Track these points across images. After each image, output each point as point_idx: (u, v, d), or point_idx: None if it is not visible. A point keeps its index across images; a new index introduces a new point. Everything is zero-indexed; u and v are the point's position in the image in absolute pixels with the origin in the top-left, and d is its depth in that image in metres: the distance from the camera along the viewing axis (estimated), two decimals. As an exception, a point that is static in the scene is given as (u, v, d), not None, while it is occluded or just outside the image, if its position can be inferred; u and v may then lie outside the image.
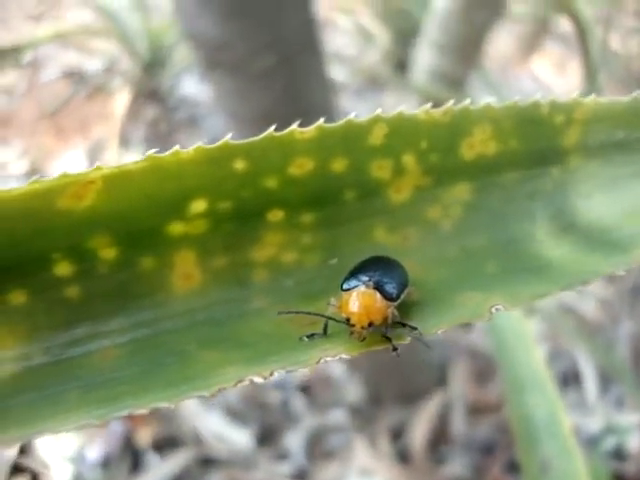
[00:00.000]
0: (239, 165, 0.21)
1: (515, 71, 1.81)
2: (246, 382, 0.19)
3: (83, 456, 0.94)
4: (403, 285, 0.23)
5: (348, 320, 0.22)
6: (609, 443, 0.97)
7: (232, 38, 0.61)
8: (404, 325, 0.22)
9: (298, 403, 1.03)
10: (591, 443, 0.97)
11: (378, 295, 0.23)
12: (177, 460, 0.94)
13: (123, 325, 0.22)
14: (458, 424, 1.01)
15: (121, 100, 1.64)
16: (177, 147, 0.21)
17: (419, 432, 0.99)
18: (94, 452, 0.94)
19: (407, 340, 0.22)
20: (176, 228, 0.22)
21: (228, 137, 0.21)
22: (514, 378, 0.52)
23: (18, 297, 0.21)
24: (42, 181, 0.20)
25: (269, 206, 0.23)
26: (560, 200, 0.26)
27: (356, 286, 0.23)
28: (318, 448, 0.98)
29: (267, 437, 0.99)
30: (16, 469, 0.92)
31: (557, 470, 0.44)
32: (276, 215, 0.23)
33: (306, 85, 0.64)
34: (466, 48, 0.92)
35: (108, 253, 0.22)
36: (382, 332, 0.22)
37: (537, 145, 0.26)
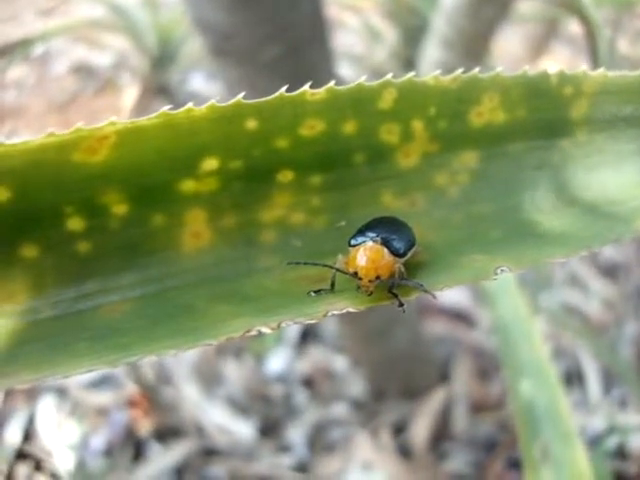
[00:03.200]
0: (250, 124, 0.22)
1: (523, 72, 1.81)
2: (254, 332, 0.19)
3: (86, 444, 0.94)
4: (410, 243, 0.24)
5: (356, 274, 0.22)
6: (612, 443, 0.97)
7: (239, 27, 0.61)
8: (410, 282, 0.22)
9: (301, 396, 1.03)
10: (594, 442, 0.97)
11: (385, 250, 0.23)
12: (179, 450, 0.94)
13: (133, 281, 0.22)
14: (460, 421, 1.01)
15: (130, 95, 1.65)
16: (190, 104, 0.21)
17: (421, 427, 0.99)
18: (97, 441, 0.94)
19: (413, 296, 0.22)
20: (187, 185, 0.22)
21: (240, 96, 0.21)
22: (516, 365, 0.52)
23: (30, 251, 0.21)
24: (57, 134, 0.20)
25: (279, 166, 0.23)
26: (566, 172, 0.26)
27: (364, 242, 0.23)
28: (320, 441, 0.98)
29: (269, 429, 0.99)
30: (20, 456, 0.93)
31: (557, 456, 0.44)
32: (286, 176, 0.23)
33: (313, 75, 0.65)
34: (473, 44, 0.92)
35: (120, 209, 0.22)
36: (388, 288, 0.23)
37: (545, 116, 0.26)
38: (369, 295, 0.22)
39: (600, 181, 0.26)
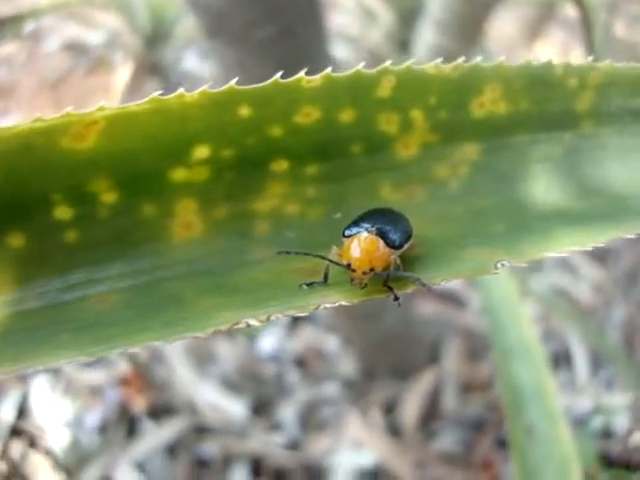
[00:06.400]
0: (244, 111, 0.21)
1: (518, 56, 1.79)
2: (242, 325, 0.19)
3: (80, 422, 0.94)
4: (407, 235, 0.23)
5: (349, 266, 0.22)
6: (597, 423, 0.99)
7: (233, 7, 0.59)
8: (406, 274, 0.22)
9: (292, 375, 1.04)
10: (580, 422, 0.98)
11: (381, 242, 0.23)
12: (172, 428, 0.95)
13: (121, 271, 0.22)
14: (449, 401, 1.02)
15: (122, 74, 1.61)
16: (182, 90, 0.20)
17: (411, 407, 1.00)
18: (91, 418, 0.95)
19: (409, 289, 0.21)
20: (178, 174, 0.21)
21: (233, 82, 0.21)
22: (505, 346, 0.53)
23: (16, 239, 0.21)
24: (45, 119, 0.19)
25: (273, 155, 0.22)
26: (569, 166, 0.26)
27: (358, 232, 0.23)
28: (311, 420, 0.99)
29: (261, 408, 1.00)
30: (14, 433, 0.93)
31: (542, 436, 0.45)
32: (280, 165, 0.23)
33: (306, 56, 0.63)
34: (468, 26, 0.91)
35: (109, 197, 0.21)
36: (383, 280, 0.22)
37: (549, 108, 0.25)
38: (363, 288, 0.22)
39: (605, 176, 0.25)
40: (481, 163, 0.25)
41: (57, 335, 0.19)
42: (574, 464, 0.42)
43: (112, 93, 1.57)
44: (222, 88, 0.20)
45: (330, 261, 0.22)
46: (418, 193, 0.24)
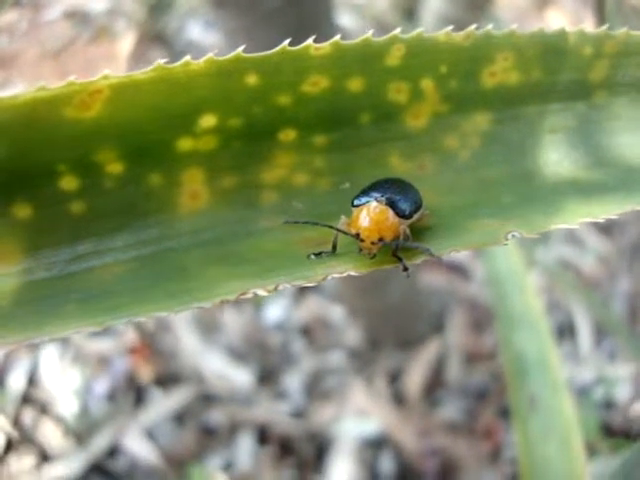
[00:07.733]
0: (251, 79, 0.21)
1: (528, 25, 1.75)
2: (249, 295, 0.19)
3: (89, 390, 0.96)
4: (416, 204, 0.23)
5: (358, 235, 0.21)
6: (599, 393, 1.00)
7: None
8: (415, 244, 0.22)
9: (298, 344, 1.05)
10: (582, 393, 1.00)
11: (390, 211, 0.22)
12: (179, 396, 0.96)
13: (128, 242, 0.22)
14: (453, 370, 1.03)
15: (125, 42, 1.59)
16: (188, 57, 0.20)
17: (415, 376, 1.01)
18: (99, 387, 0.96)
19: (418, 260, 0.21)
20: (185, 144, 0.21)
21: (240, 50, 0.20)
22: (509, 317, 0.53)
23: (23, 210, 0.21)
24: (48, 88, 0.19)
25: (281, 125, 0.22)
26: (582, 137, 0.25)
27: (368, 202, 0.22)
28: (316, 388, 1.00)
29: (267, 377, 1.01)
30: (25, 400, 0.95)
31: (545, 405, 0.46)
32: (288, 135, 0.22)
33: (313, 26, 0.62)
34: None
35: (114, 168, 0.21)
36: (392, 251, 0.22)
37: (561, 78, 0.24)
38: (372, 258, 0.21)
39: (618, 147, 0.25)
40: (492, 133, 0.24)
41: (64, 305, 0.19)
42: (576, 433, 0.43)
43: (116, 62, 1.55)
44: (229, 56, 0.20)
45: (339, 231, 0.22)
46: (428, 163, 0.24)
